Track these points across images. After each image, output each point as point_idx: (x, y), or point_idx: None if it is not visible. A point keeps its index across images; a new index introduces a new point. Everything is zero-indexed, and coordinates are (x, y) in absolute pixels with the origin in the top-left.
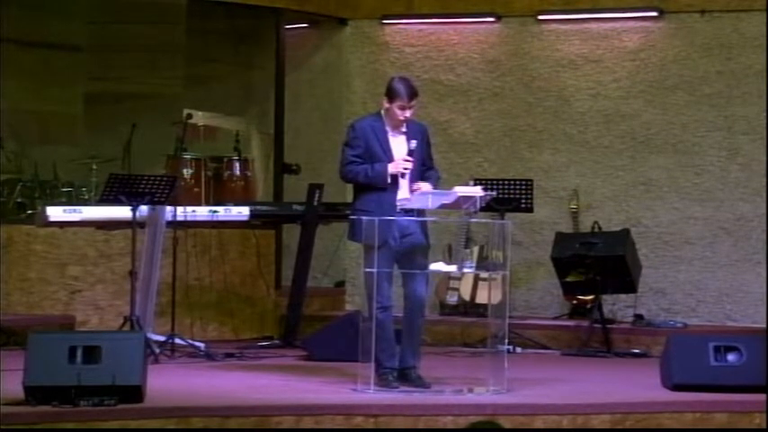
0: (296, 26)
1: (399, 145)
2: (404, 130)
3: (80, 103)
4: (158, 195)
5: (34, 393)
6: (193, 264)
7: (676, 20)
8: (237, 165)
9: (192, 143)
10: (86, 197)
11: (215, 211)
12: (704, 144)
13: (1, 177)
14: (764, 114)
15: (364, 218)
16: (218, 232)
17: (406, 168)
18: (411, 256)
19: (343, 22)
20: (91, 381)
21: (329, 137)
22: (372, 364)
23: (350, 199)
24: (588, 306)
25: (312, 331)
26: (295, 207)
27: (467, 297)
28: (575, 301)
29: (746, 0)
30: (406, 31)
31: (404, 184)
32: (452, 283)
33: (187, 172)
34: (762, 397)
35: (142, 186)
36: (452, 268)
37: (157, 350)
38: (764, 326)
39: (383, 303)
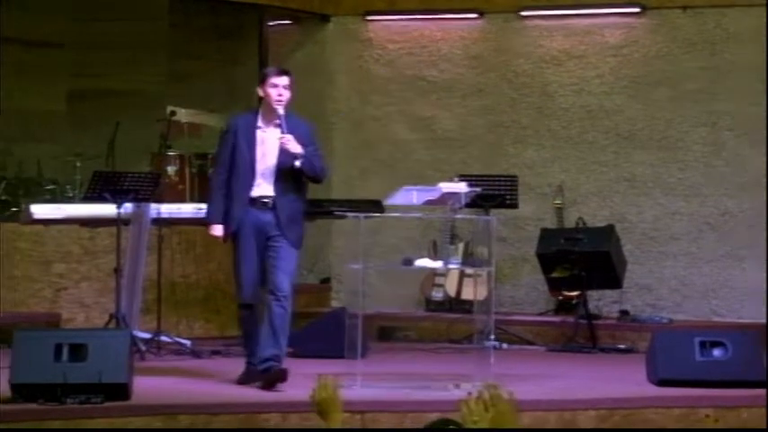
0: (279, 23)
1: (269, 139)
2: (278, 121)
3: (63, 101)
4: (143, 192)
5: (20, 391)
6: (179, 261)
7: (659, 15)
8: None
9: (176, 140)
10: (71, 195)
11: (200, 209)
12: (688, 140)
13: None
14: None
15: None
16: (202, 229)
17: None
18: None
19: (325, 18)
20: (77, 378)
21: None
22: (359, 361)
23: (334, 195)
24: (574, 302)
25: (298, 328)
26: None
27: (452, 293)
28: (560, 297)
29: None
30: (389, 28)
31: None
32: (438, 280)
33: (171, 169)
34: (747, 392)
35: (126, 184)
36: (438, 264)
37: (143, 347)
38: (749, 321)
39: None
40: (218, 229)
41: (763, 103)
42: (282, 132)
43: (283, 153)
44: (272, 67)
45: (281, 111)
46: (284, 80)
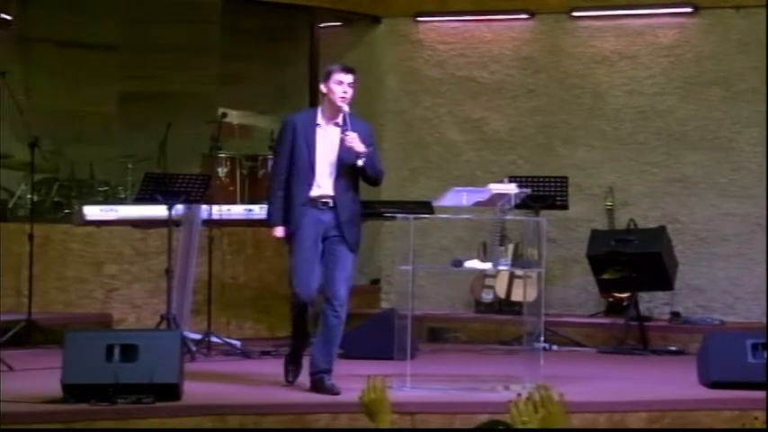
0: (330, 24)
1: (329, 138)
2: (339, 120)
3: (115, 103)
4: (194, 194)
5: (72, 391)
6: (229, 262)
7: (711, 15)
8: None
9: (226, 142)
10: (122, 196)
11: (250, 210)
12: (740, 140)
13: (38, 177)
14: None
15: None
16: (253, 231)
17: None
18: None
19: (376, 19)
20: (128, 379)
21: None
22: (408, 362)
23: (384, 196)
24: (624, 303)
25: (347, 329)
26: None
27: (502, 295)
28: (611, 299)
29: None
30: (439, 29)
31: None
32: (488, 281)
33: (222, 170)
34: None
35: (178, 185)
36: (487, 266)
37: (194, 348)
38: None
39: None
40: (280, 231)
41: None
42: (346, 130)
43: (344, 151)
44: (336, 64)
45: (345, 108)
46: (349, 77)
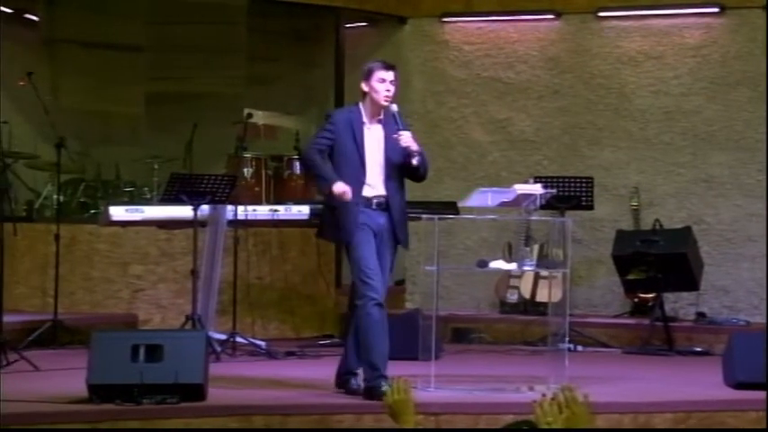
0: (355, 25)
1: (375, 136)
2: (381, 118)
3: (141, 103)
4: (219, 194)
5: (97, 391)
6: (254, 263)
7: (738, 15)
8: (298, 164)
9: (252, 142)
10: (148, 196)
11: (275, 210)
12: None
13: (64, 177)
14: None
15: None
16: (278, 231)
17: (345, 199)
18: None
19: (402, 20)
20: (153, 379)
21: None
22: (432, 363)
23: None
24: (650, 304)
25: None
26: None
27: (527, 295)
28: (636, 299)
29: None
30: (465, 29)
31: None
32: (512, 282)
33: (248, 171)
34: None
35: (203, 186)
36: (512, 266)
37: (219, 348)
38: None
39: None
40: (340, 185)
41: None
42: (399, 129)
43: (393, 150)
44: (376, 61)
45: (394, 107)
46: (390, 74)
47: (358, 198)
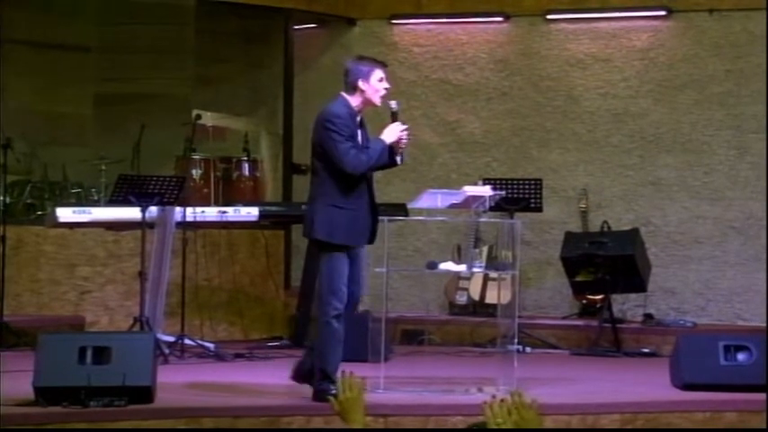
0: (305, 26)
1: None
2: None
3: (90, 104)
4: (168, 196)
5: (44, 394)
6: (203, 264)
7: (685, 19)
8: (246, 165)
9: (201, 143)
10: (96, 198)
11: (224, 212)
12: (713, 143)
13: (11, 178)
14: (766, 115)
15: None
16: (227, 233)
17: (403, 132)
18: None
19: (351, 22)
20: (101, 381)
21: None
22: (382, 364)
23: None
24: (598, 305)
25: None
26: (304, 207)
27: (476, 297)
28: (584, 301)
29: None
30: (414, 31)
31: None
32: (462, 283)
33: (196, 172)
34: None
35: (151, 187)
36: (462, 268)
37: (167, 351)
38: None
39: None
40: (388, 133)
41: None
42: (403, 124)
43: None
44: (372, 60)
45: (393, 104)
46: (385, 73)
47: (355, 204)
